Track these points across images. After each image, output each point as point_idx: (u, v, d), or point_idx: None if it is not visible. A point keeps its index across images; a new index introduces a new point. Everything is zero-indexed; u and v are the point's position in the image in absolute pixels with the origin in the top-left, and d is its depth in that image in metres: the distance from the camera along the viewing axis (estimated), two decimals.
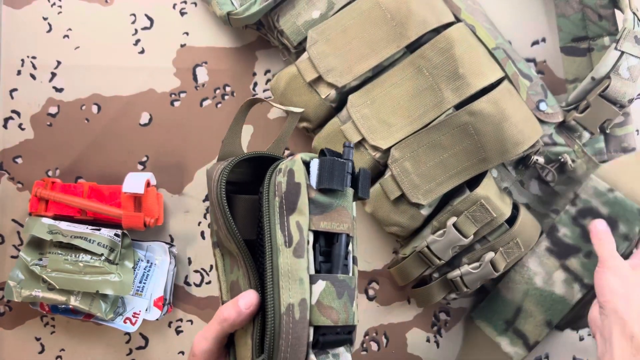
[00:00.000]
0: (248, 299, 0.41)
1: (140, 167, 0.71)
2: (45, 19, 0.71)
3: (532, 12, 0.69)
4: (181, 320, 0.72)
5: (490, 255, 0.61)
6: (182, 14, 0.71)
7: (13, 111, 0.71)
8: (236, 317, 0.40)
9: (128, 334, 0.72)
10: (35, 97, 0.71)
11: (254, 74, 0.71)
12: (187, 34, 0.71)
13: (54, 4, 0.71)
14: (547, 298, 0.62)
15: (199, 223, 0.72)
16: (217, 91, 0.71)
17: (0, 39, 0.71)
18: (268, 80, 0.71)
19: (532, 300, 0.63)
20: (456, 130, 0.59)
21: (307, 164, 0.40)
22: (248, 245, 0.42)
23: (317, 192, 0.39)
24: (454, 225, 0.60)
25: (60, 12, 0.71)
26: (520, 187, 0.65)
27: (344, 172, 0.40)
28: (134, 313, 0.67)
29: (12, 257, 0.72)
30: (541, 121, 0.62)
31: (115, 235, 0.66)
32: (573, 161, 0.63)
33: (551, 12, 0.68)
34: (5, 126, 0.72)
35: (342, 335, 0.41)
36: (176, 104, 0.71)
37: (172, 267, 0.70)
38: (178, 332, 0.72)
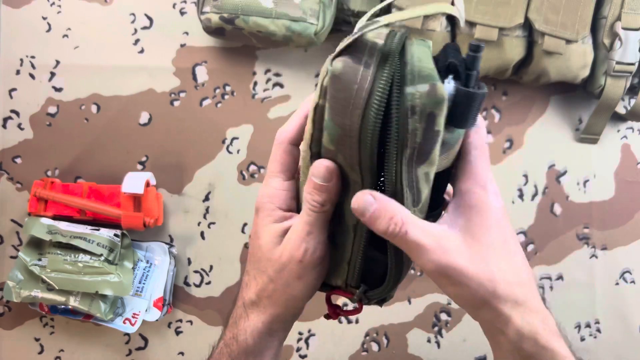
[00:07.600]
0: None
1: (139, 167, 0.71)
2: (44, 18, 0.71)
3: None
4: (181, 320, 0.72)
5: None
6: (181, 13, 0.70)
7: (12, 111, 0.71)
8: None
9: (127, 334, 0.72)
10: (34, 97, 0.71)
11: (254, 73, 0.70)
12: (186, 33, 0.70)
13: (54, 3, 0.71)
14: None
15: (199, 223, 0.71)
16: (217, 90, 0.71)
17: None
18: (268, 80, 0.71)
19: None
20: None
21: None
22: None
23: (447, 131, 0.30)
24: None
25: (59, 12, 0.71)
26: None
27: (479, 109, 0.30)
28: (134, 314, 0.67)
29: (12, 257, 0.72)
30: None
31: (115, 235, 0.66)
32: None
33: None
34: (4, 126, 0.71)
35: None
36: (176, 103, 0.71)
37: (172, 267, 0.69)
38: (178, 332, 0.72)
